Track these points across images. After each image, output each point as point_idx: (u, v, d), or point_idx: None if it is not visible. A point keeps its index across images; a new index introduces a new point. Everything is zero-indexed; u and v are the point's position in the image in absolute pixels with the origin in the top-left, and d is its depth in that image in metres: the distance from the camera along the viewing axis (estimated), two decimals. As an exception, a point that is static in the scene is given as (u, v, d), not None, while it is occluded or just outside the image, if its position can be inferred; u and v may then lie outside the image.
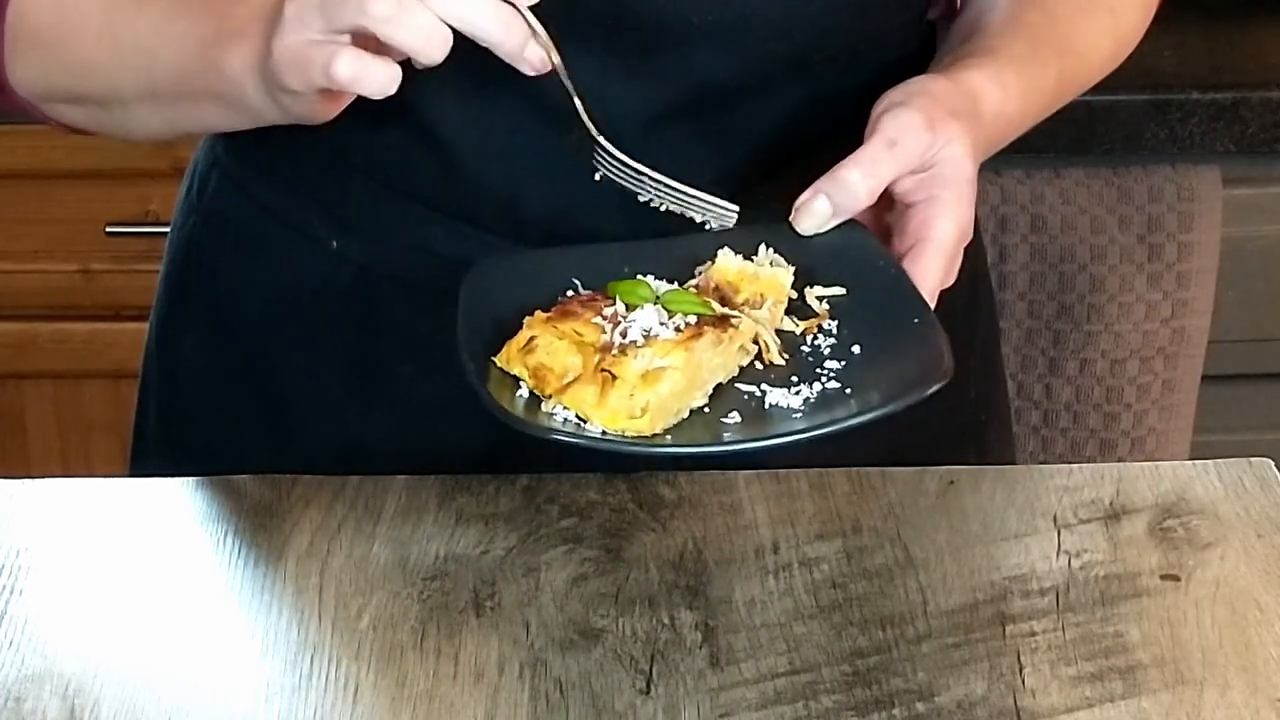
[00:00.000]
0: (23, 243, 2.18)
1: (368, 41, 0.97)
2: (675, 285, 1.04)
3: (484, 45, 0.98)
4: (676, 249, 1.08)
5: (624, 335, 0.99)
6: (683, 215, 1.08)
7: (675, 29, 1.10)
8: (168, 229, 1.31)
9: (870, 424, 0.96)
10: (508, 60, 0.99)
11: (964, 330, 1.29)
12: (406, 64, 0.98)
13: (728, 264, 1.05)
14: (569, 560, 1.05)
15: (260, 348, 1.23)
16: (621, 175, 1.06)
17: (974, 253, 1.26)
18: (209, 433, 1.26)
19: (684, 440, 0.98)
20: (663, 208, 1.07)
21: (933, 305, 1.04)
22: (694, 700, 0.95)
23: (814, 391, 1.00)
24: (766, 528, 1.08)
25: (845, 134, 1.08)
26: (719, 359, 1.00)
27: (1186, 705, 0.95)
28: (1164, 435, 1.94)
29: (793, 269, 1.06)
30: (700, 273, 1.06)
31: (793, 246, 1.07)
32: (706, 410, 0.99)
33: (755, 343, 1.02)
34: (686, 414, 0.99)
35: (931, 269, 1.05)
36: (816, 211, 1.07)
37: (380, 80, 0.97)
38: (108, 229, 2.15)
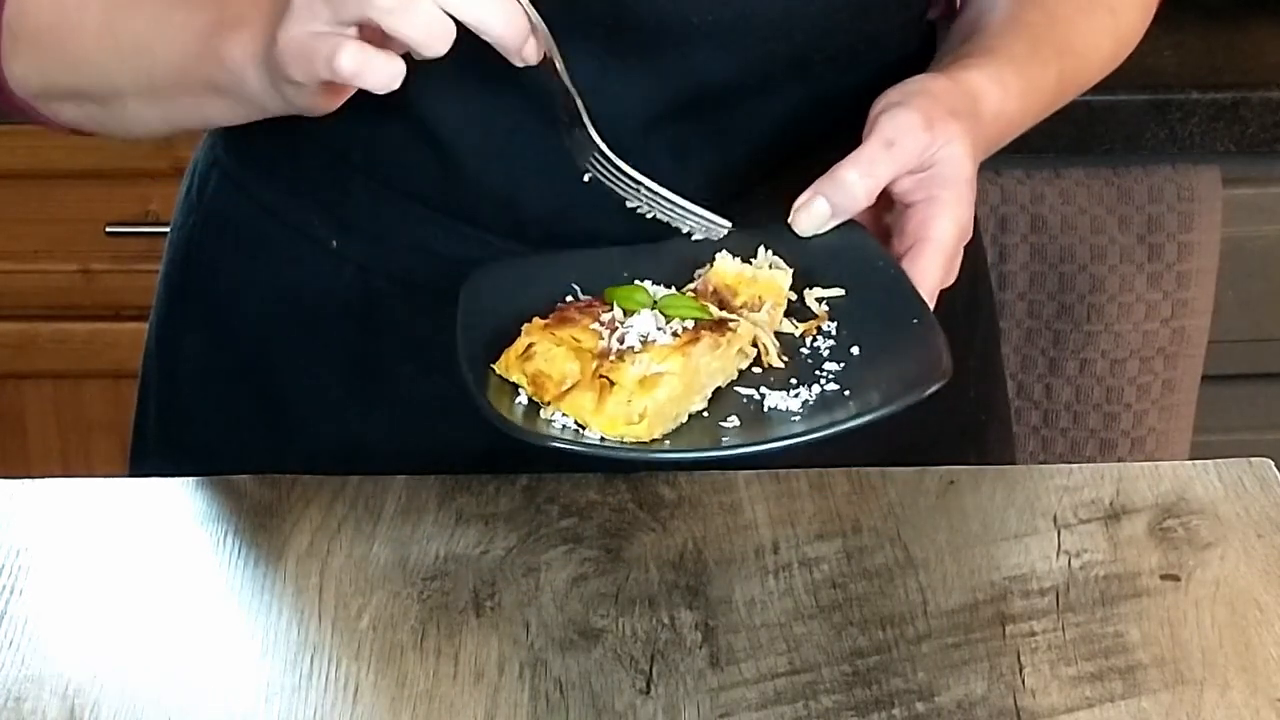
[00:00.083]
0: (23, 243, 2.18)
1: (372, 35, 0.97)
2: (673, 290, 1.04)
3: (484, 39, 0.98)
4: (675, 253, 1.08)
5: (621, 341, 0.99)
6: (670, 225, 1.08)
7: (675, 29, 1.10)
8: (168, 229, 1.31)
9: (868, 425, 0.96)
10: (505, 55, 0.99)
11: (964, 330, 1.29)
12: (407, 62, 0.98)
13: (725, 267, 1.05)
14: (569, 560, 1.05)
15: (260, 348, 1.23)
16: (614, 179, 1.06)
17: (974, 253, 1.26)
18: (209, 433, 1.26)
19: (682, 445, 0.98)
20: (650, 215, 1.08)
21: (932, 305, 1.04)
22: (694, 700, 0.95)
23: (813, 394, 0.99)
24: (766, 528, 1.08)
25: (845, 134, 1.08)
26: (717, 363, 1.00)
27: (1186, 705, 0.95)
28: (1164, 435, 1.94)
29: (791, 271, 1.06)
30: (699, 276, 1.06)
31: (792, 248, 1.07)
32: (705, 415, 0.99)
33: (754, 345, 1.02)
34: (685, 419, 0.99)
35: (930, 269, 1.05)
36: (815, 212, 1.07)
37: (384, 74, 0.97)
38: (108, 229, 2.15)
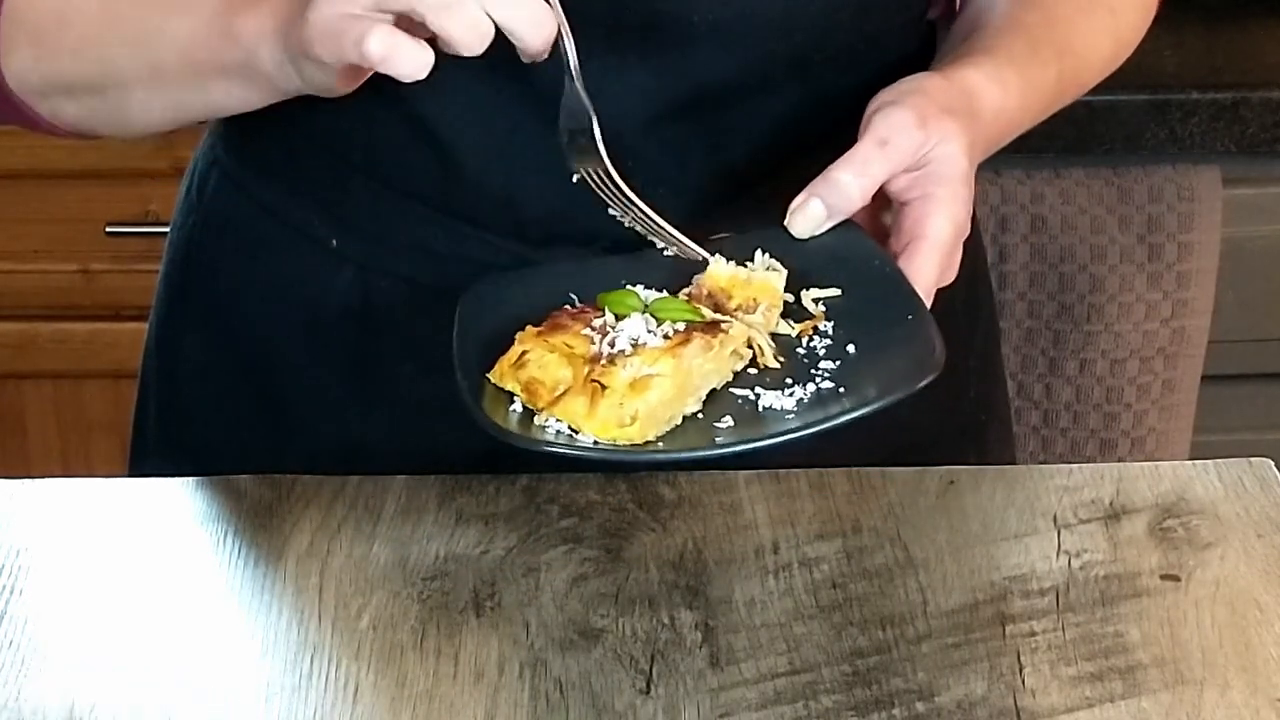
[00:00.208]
0: (23, 243, 2.18)
1: (401, 20, 0.97)
2: (665, 294, 1.04)
3: (510, 40, 0.98)
4: (672, 260, 1.08)
5: (612, 345, 0.99)
6: (650, 241, 1.08)
7: (675, 28, 1.10)
8: (168, 229, 1.30)
9: (861, 419, 0.96)
10: (523, 58, 0.99)
11: (964, 330, 1.29)
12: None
13: (719, 270, 1.05)
14: (569, 560, 1.05)
15: (260, 348, 1.23)
16: (607, 192, 1.06)
17: (974, 253, 1.26)
18: (209, 433, 1.26)
19: (675, 446, 0.98)
20: (629, 225, 1.08)
21: (929, 303, 1.04)
22: (694, 700, 0.95)
23: (808, 392, 1.00)
24: (766, 528, 1.08)
25: (845, 134, 1.08)
26: (710, 364, 1.00)
27: (1186, 705, 0.95)
28: (1164, 435, 1.94)
29: (786, 272, 1.06)
30: (695, 281, 1.06)
31: (788, 250, 1.07)
32: (700, 416, 0.99)
33: (750, 347, 1.02)
34: (679, 420, 0.99)
35: (927, 267, 1.05)
36: (811, 214, 1.07)
37: (414, 62, 0.96)
38: (108, 229, 2.15)
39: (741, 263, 1.06)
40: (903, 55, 1.18)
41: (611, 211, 1.08)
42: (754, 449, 0.97)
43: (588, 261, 1.10)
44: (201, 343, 1.26)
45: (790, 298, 1.06)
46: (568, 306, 1.04)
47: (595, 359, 0.99)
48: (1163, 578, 1.04)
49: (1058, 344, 1.90)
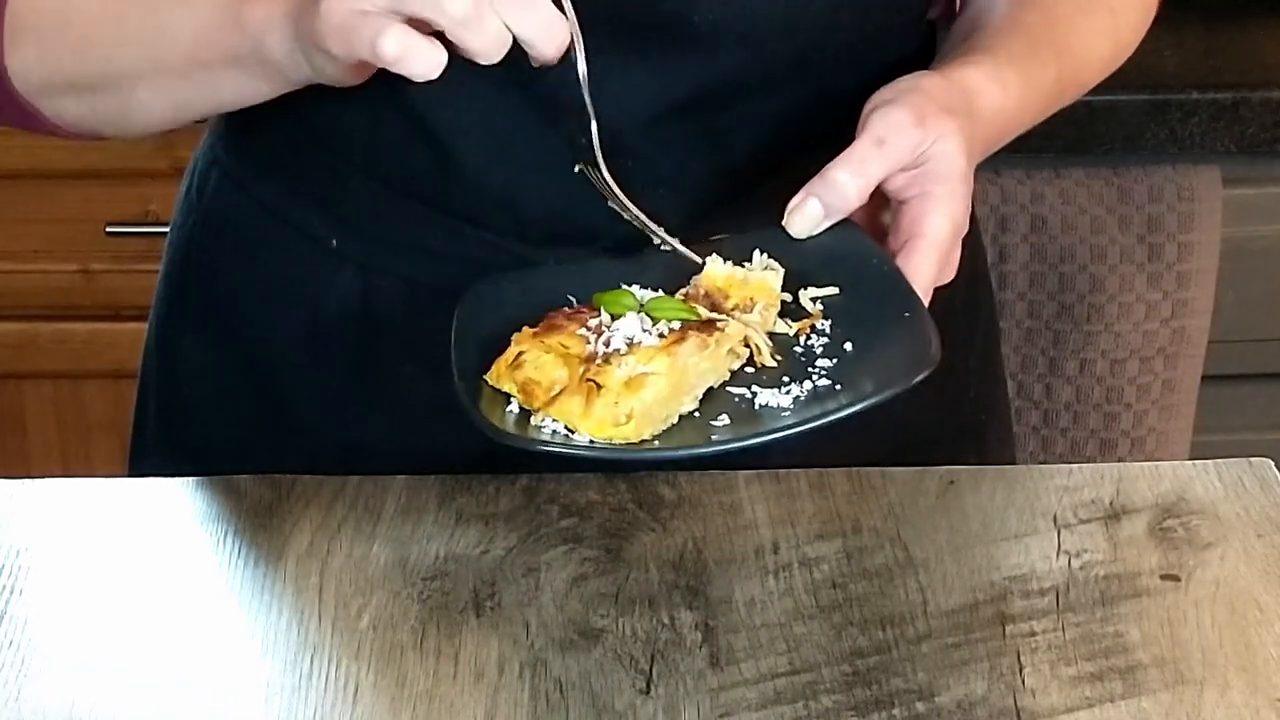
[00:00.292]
0: (23, 243, 2.18)
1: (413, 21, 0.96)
2: (660, 293, 1.04)
3: (523, 47, 0.97)
4: (669, 261, 1.08)
5: (607, 345, 0.99)
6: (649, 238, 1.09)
7: (677, 29, 1.10)
8: (168, 229, 1.30)
9: (858, 415, 0.96)
10: (534, 63, 0.98)
11: (964, 330, 1.29)
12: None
13: (716, 270, 1.06)
14: (569, 560, 1.05)
15: (260, 347, 1.23)
16: (603, 190, 1.06)
17: (973, 252, 1.26)
18: (209, 433, 1.26)
19: (671, 444, 0.98)
20: (627, 216, 1.08)
21: (927, 301, 1.04)
22: (694, 700, 0.95)
23: (804, 390, 1.00)
24: (766, 528, 1.08)
25: (845, 133, 1.08)
26: (706, 363, 1.00)
27: (1186, 705, 0.95)
28: (1164, 435, 1.94)
29: (783, 271, 1.06)
30: (693, 281, 1.06)
31: (786, 249, 1.07)
32: (696, 415, 0.99)
33: (747, 346, 1.02)
34: (676, 419, 0.99)
35: (925, 265, 1.05)
36: (808, 214, 1.07)
37: (427, 63, 0.96)
38: (108, 229, 2.15)
39: (739, 263, 1.06)
40: (903, 55, 1.18)
41: (611, 205, 1.08)
42: (749, 445, 0.97)
43: (586, 263, 1.10)
44: (201, 343, 1.26)
45: (788, 297, 1.06)
46: (564, 308, 1.04)
47: (590, 358, 0.99)
48: (1163, 578, 1.04)
49: (1058, 344, 1.90)
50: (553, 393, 0.98)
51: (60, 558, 1.06)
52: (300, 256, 1.21)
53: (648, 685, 0.96)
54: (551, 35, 0.97)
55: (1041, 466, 1.17)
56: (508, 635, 1.00)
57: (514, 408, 1.00)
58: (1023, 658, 0.98)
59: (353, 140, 1.17)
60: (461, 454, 1.13)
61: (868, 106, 1.07)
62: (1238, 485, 1.11)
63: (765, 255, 1.07)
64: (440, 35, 0.96)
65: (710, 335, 1.00)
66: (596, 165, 1.06)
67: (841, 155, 1.06)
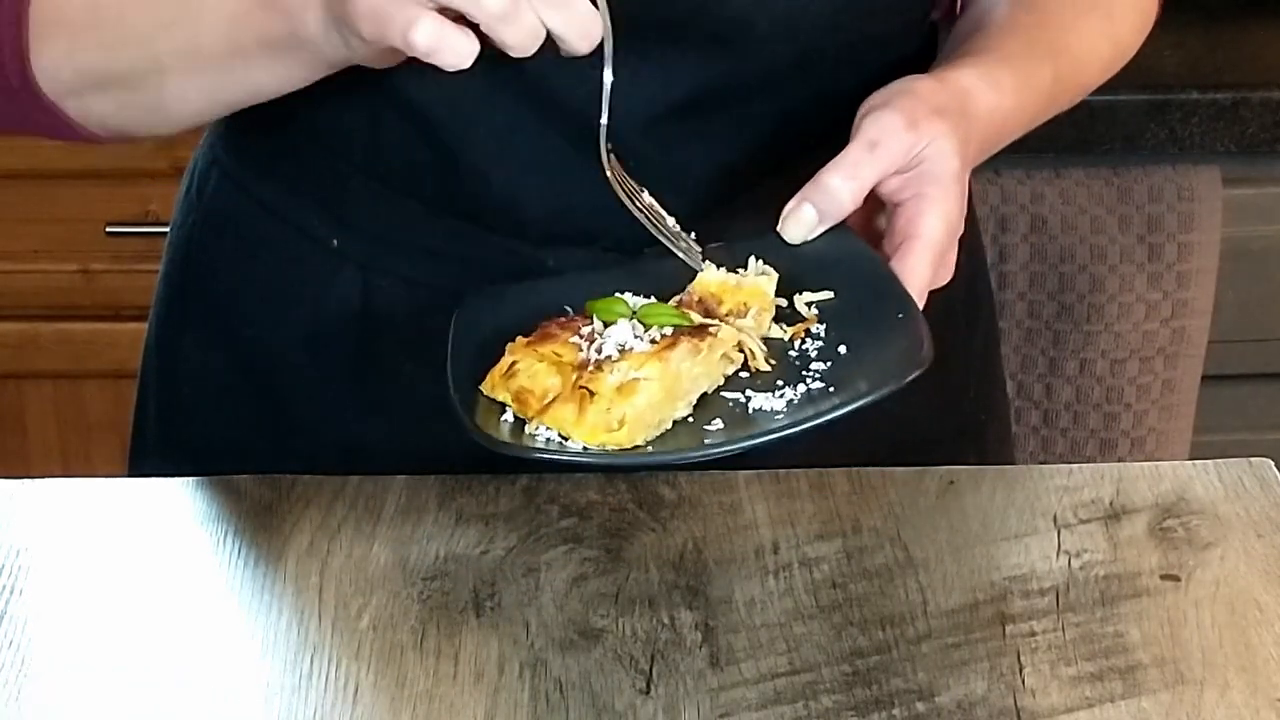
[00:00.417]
0: (23, 243, 2.18)
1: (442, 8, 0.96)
2: (653, 300, 1.05)
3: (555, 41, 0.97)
4: (663, 270, 1.08)
5: (599, 351, 1.00)
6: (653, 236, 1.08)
7: (680, 30, 1.10)
8: (168, 229, 1.30)
9: (850, 416, 0.96)
10: (560, 54, 0.98)
11: (964, 330, 1.29)
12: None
13: (709, 277, 1.06)
14: (569, 560, 1.05)
15: (260, 347, 1.23)
16: (622, 186, 1.06)
17: (973, 252, 1.26)
18: (209, 433, 1.26)
19: (663, 449, 0.98)
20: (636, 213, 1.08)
21: (921, 303, 1.04)
22: (694, 700, 0.95)
23: (798, 393, 1.00)
24: (766, 528, 1.08)
25: (845, 133, 1.08)
26: (699, 368, 1.00)
27: (1186, 705, 0.95)
28: (1164, 435, 1.94)
29: (776, 276, 1.06)
30: (687, 289, 1.06)
31: (781, 255, 1.07)
32: (690, 419, 1.00)
33: (742, 351, 1.02)
34: (669, 424, 0.99)
35: (919, 266, 1.05)
36: (803, 219, 1.07)
37: (459, 55, 0.95)
38: (108, 229, 2.15)
39: (734, 269, 1.06)
40: (903, 55, 1.19)
41: (624, 200, 1.07)
42: (741, 449, 0.98)
43: (581, 271, 1.11)
44: (201, 343, 1.26)
45: (783, 302, 1.06)
46: (559, 316, 1.04)
47: (583, 366, 0.99)
48: (1163, 578, 1.04)
49: (1058, 344, 1.90)
50: (546, 401, 0.99)
51: (60, 558, 1.06)
52: (300, 256, 1.21)
53: (648, 685, 0.96)
54: (585, 30, 0.97)
55: (1041, 466, 1.17)
56: (508, 635, 1.00)
57: (509, 417, 1.00)
58: (1023, 658, 0.98)
59: (353, 140, 1.17)
60: (461, 454, 1.13)
61: (861, 111, 1.08)
62: (1238, 485, 1.11)
63: (760, 261, 1.07)
64: (471, 24, 0.95)
65: (702, 340, 1.00)
66: (611, 157, 1.05)
67: (834, 160, 1.06)
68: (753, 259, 1.07)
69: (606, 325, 1.02)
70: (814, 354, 1.03)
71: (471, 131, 1.14)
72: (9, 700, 0.95)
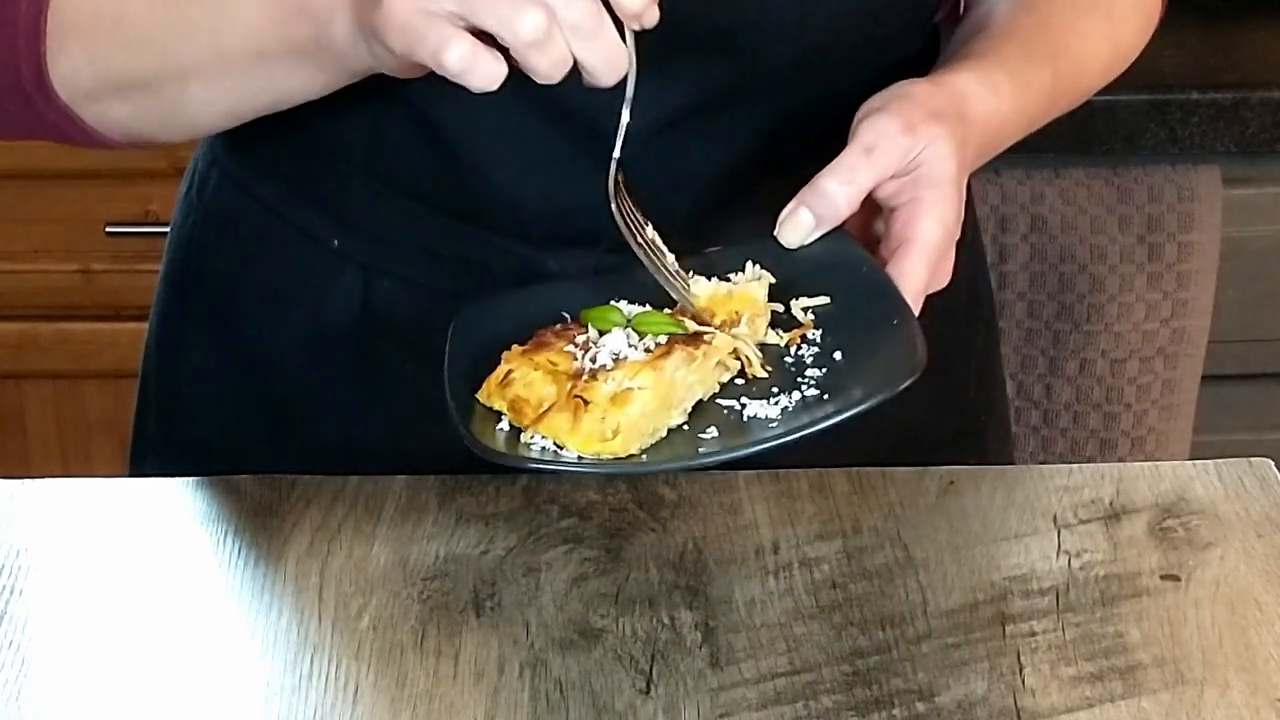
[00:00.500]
0: (23, 243, 2.18)
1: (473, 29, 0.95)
2: (648, 308, 1.05)
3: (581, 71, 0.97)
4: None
5: (594, 360, 1.00)
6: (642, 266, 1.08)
7: (684, 33, 1.10)
8: (168, 229, 1.30)
9: (842, 424, 0.96)
10: (584, 84, 0.98)
11: (963, 330, 1.29)
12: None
13: (699, 290, 1.06)
14: (569, 560, 1.05)
15: (261, 347, 1.23)
16: (628, 221, 1.06)
17: (973, 252, 1.26)
18: (209, 433, 1.26)
19: (658, 458, 0.98)
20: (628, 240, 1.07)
21: (918, 307, 1.03)
22: (694, 700, 0.95)
23: (792, 400, 1.00)
24: (766, 528, 1.08)
25: (846, 135, 1.08)
26: (694, 376, 1.00)
27: (1186, 705, 0.95)
28: (1164, 435, 1.94)
29: (769, 282, 1.06)
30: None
31: (778, 260, 1.07)
32: (685, 427, 1.00)
33: (737, 358, 1.02)
34: (664, 433, 0.99)
35: (915, 269, 1.05)
36: (800, 224, 1.07)
37: (489, 78, 0.95)
38: (108, 229, 2.15)
39: (729, 274, 1.06)
40: (905, 57, 1.18)
41: (623, 230, 1.07)
42: (736, 458, 0.98)
43: (579, 279, 1.11)
44: (201, 343, 1.26)
45: (780, 307, 1.06)
46: (555, 325, 1.04)
47: (578, 375, 0.99)
48: (1163, 578, 1.04)
49: (1058, 344, 1.90)
50: (541, 410, 0.98)
51: (60, 558, 1.06)
52: (301, 257, 1.21)
53: (648, 685, 0.96)
54: (613, 64, 0.96)
55: (1041, 466, 1.17)
56: (508, 635, 1.00)
57: (504, 425, 1.00)
58: (1023, 658, 0.98)
59: (354, 141, 1.17)
60: (461, 454, 1.13)
61: (858, 115, 1.07)
62: (1238, 485, 1.11)
63: (756, 266, 1.07)
64: (499, 46, 0.95)
65: (697, 348, 1.00)
66: (619, 189, 1.05)
67: (831, 164, 1.06)
68: (749, 264, 1.07)
69: (601, 333, 1.01)
70: (809, 360, 1.03)
71: (473, 133, 1.14)
72: (9, 700, 0.95)
